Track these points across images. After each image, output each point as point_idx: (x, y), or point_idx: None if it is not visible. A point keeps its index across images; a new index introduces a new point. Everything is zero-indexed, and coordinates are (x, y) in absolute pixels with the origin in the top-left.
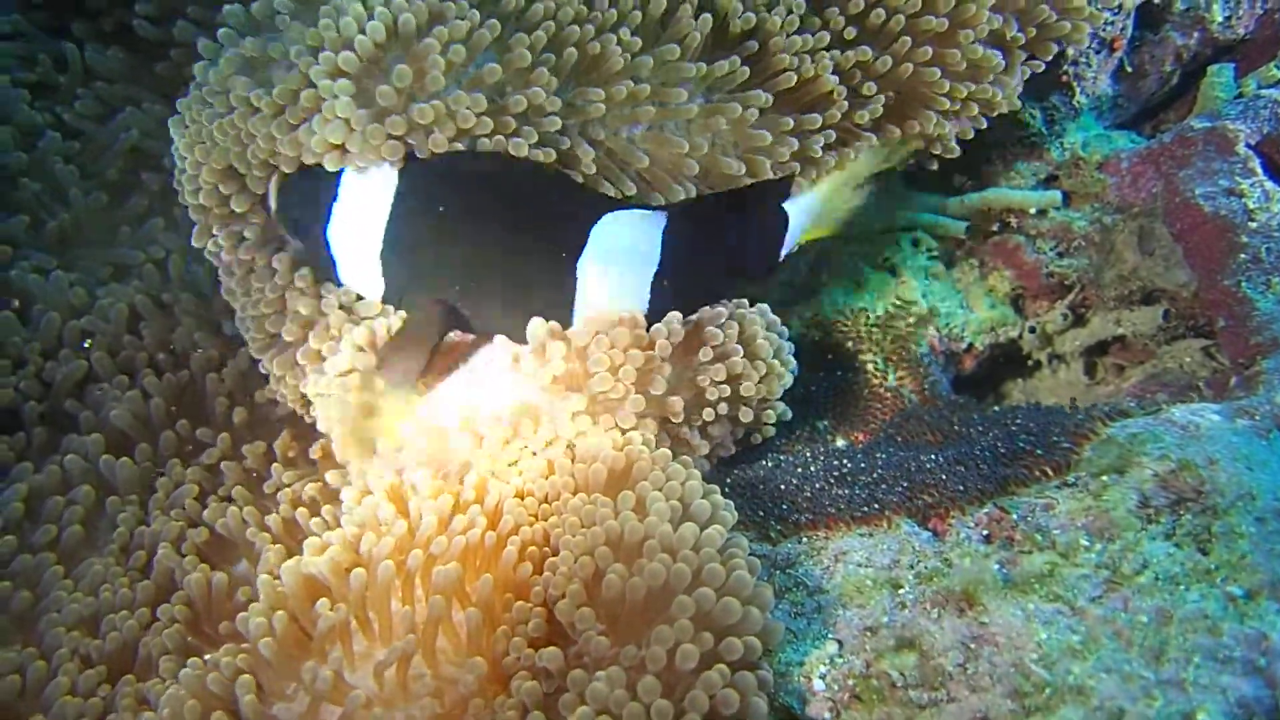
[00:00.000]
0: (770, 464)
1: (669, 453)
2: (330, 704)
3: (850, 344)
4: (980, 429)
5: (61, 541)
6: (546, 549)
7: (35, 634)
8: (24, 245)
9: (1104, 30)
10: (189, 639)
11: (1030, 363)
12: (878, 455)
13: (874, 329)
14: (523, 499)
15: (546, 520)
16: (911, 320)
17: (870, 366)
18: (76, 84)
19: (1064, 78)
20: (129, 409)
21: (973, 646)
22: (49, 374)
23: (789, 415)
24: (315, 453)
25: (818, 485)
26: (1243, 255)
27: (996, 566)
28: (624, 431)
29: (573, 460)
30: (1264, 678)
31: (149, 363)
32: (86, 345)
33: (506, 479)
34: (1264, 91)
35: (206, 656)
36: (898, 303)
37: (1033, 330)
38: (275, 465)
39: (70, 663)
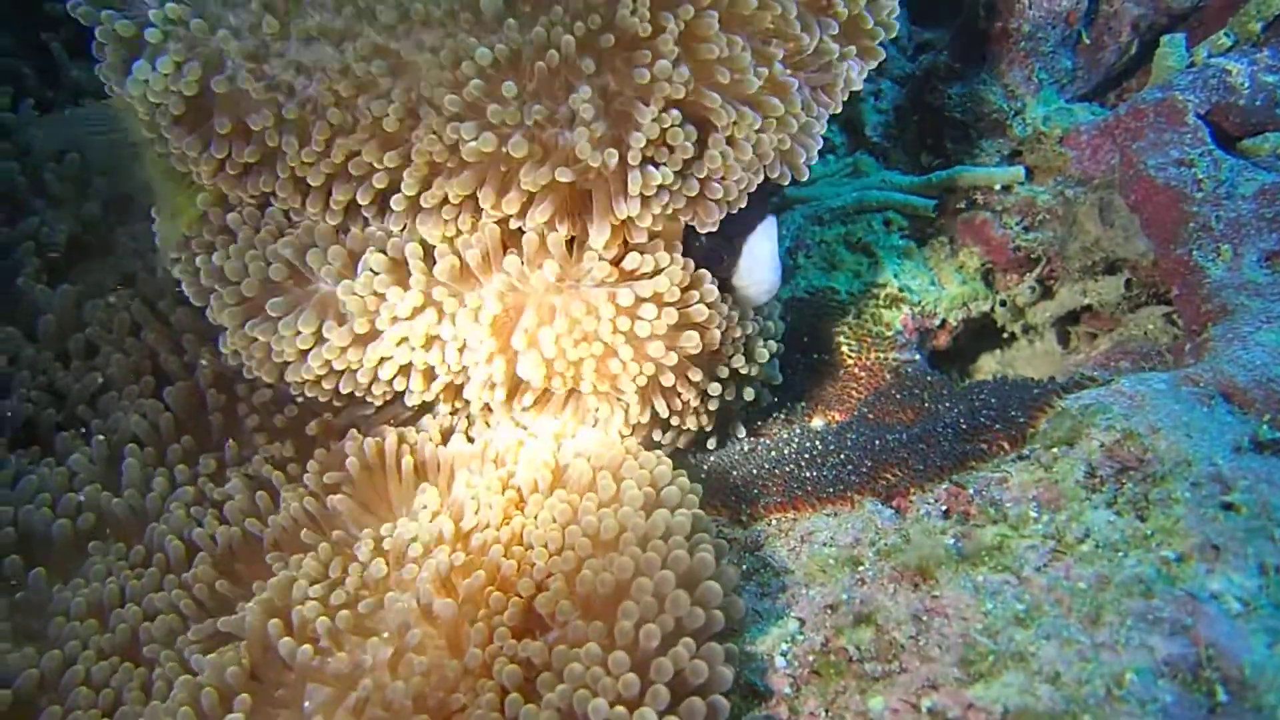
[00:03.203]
0: (747, 447)
1: (636, 442)
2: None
3: (826, 325)
4: (948, 404)
5: (69, 538)
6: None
7: (48, 628)
8: (28, 256)
9: (1058, 5)
10: (203, 630)
11: (1005, 335)
12: (848, 436)
13: (848, 309)
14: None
15: (525, 514)
16: (884, 299)
17: (845, 347)
18: (66, 99)
19: (1021, 54)
20: (138, 414)
21: (925, 619)
22: (61, 383)
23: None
24: (313, 429)
25: (789, 468)
26: (1193, 224)
27: (951, 541)
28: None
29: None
30: (1189, 637)
31: (153, 369)
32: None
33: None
34: (1213, 60)
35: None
36: (870, 282)
37: (1003, 304)
38: (277, 474)
39: (86, 651)
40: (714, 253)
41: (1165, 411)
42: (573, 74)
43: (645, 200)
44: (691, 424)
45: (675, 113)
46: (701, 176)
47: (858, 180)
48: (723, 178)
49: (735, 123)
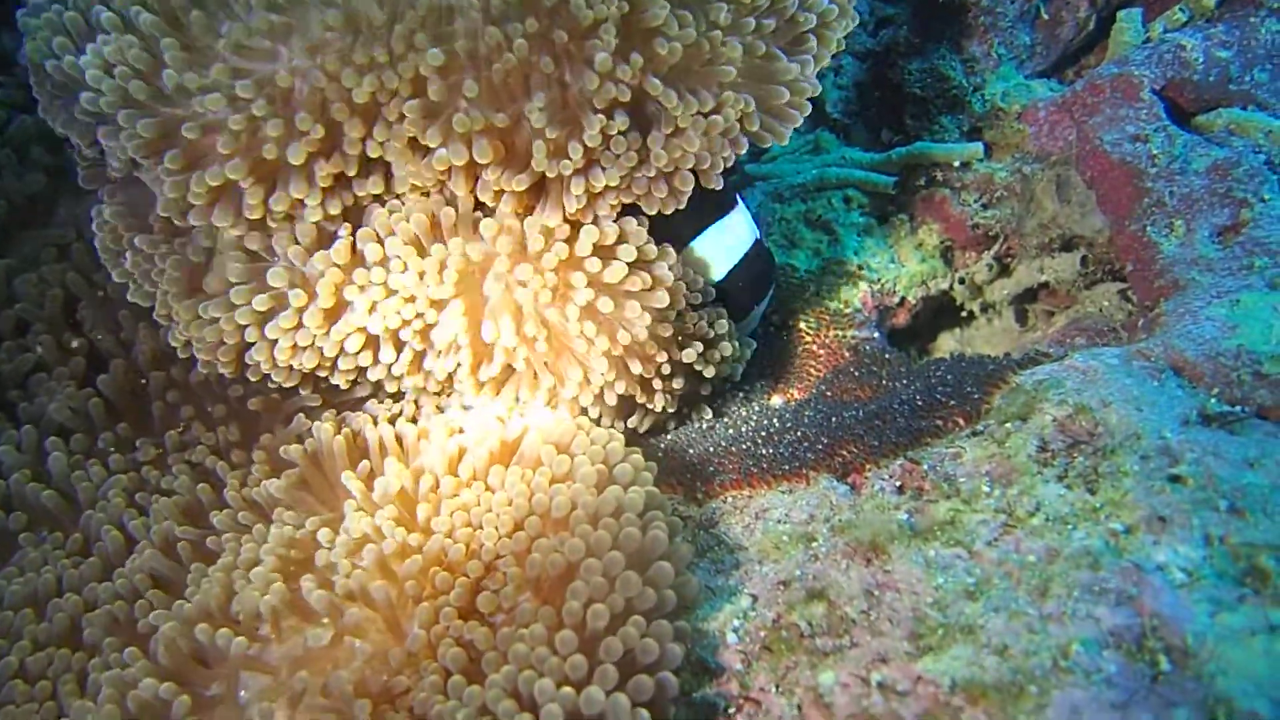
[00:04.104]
0: (705, 425)
1: (589, 420)
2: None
3: (785, 303)
4: (905, 382)
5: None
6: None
7: None
8: None
9: None
10: (136, 621)
11: (964, 313)
12: (805, 413)
13: (808, 287)
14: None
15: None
16: (843, 277)
17: (804, 325)
18: None
19: (980, 29)
20: (67, 400)
21: (876, 594)
22: None
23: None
24: (254, 405)
25: (745, 445)
26: (1147, 200)
27: (905, 516)
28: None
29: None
30: (1134, 607)
31: (87, 350)
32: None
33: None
34: (1168, 36)
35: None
36: (830, 260)
37: (962, 281)
38: (221, 464)
39: (22, 642)
40: None
41: (1117, 386)
42: (530, 70)
43: (593, 197)
44: (659, 403)
45: (621, 118)
46: (651, 175)
47: (818, 157)
48: (673, 171)
49: (679, 112)
